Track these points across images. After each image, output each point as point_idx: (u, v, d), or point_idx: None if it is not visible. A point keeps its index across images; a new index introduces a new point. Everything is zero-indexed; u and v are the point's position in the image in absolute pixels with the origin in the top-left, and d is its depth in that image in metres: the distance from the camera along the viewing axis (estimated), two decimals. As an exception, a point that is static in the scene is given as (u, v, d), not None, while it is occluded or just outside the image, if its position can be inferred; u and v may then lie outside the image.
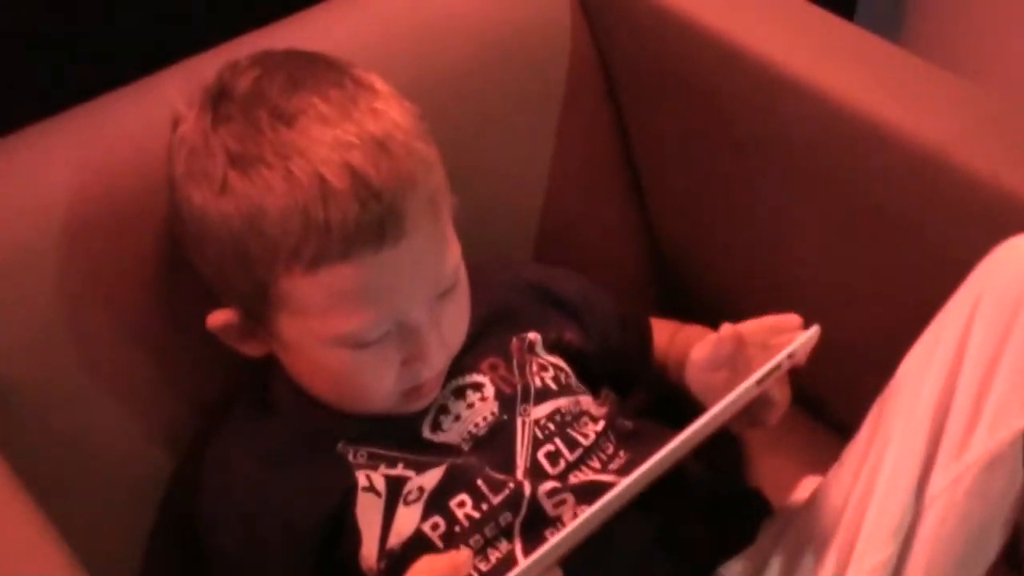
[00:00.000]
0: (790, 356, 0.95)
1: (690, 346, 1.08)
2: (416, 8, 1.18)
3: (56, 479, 1.01)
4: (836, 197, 1.14)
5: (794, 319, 1.03)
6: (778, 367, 0.94)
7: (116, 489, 1.07)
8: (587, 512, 0.87)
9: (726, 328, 1.02)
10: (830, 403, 1.23)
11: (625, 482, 0.87)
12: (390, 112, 0.96)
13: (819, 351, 0.98)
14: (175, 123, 1.00)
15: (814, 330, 0.97)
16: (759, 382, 0.93)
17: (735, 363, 1.02)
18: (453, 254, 1.00)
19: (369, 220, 0.92)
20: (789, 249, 1.20)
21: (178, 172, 0.99)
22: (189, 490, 1.07)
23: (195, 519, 1.06)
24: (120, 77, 1.09)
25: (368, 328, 0.97)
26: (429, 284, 0.98)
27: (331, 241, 0.92)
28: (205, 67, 1.01)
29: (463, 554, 0.95)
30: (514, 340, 1.10)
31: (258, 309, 0.99)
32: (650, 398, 1.21)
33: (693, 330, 1.20)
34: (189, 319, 1.03)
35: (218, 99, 0.97)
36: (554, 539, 0.85)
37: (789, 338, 0.98)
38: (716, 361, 1.03)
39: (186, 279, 1.02)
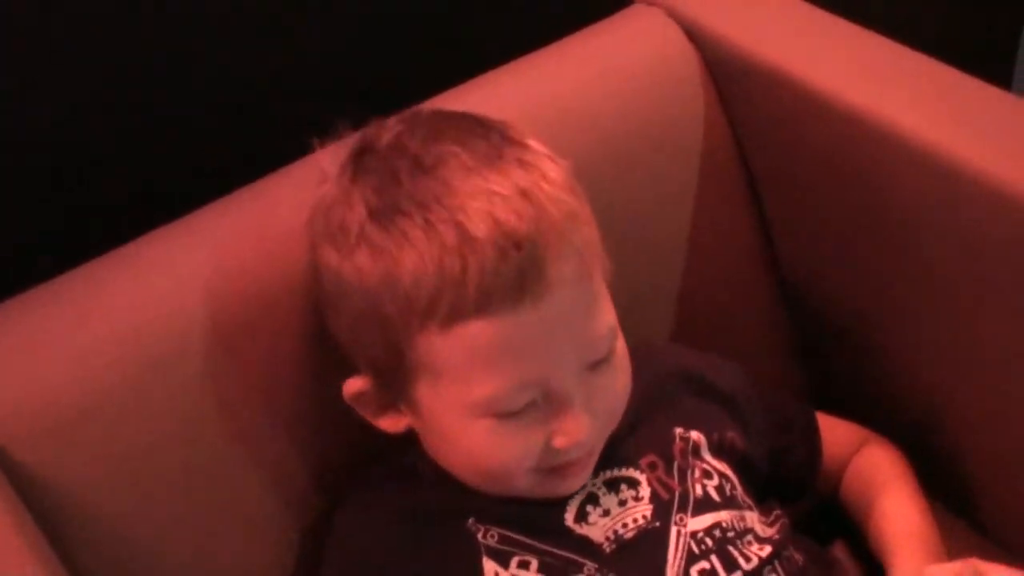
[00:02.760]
0: None
1: (888, 531, 1.03)
2: (544, 98, 1.13)
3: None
4: (1009, 292, 1.02)
5: None
6: None
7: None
8: None
9: (967, 567, 0.91)
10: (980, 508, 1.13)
11: None
12: (538, 164, 0.91)
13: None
14: (319, 183, 0.97)
15: None
16: None
17: None
18: (606, 319, 0.92)
19: (508, 270, 0.86)
20: (956, 352, 1.09)
21: (318, 231, 0.95)
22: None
23: None
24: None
25: (509, 392, 0.89)
26: (578, 348, 0.90)
27: (467, 293, 0.86)
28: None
29: None
30: (677, 440, 1.00)
31: (394, 375, 0.92)
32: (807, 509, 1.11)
33: (890, 492, 1.09)
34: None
35: (360, 154, 0.94)
36: None
37: None
38: None
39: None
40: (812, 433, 1.11)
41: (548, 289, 0.87)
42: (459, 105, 1.01)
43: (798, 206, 1.17)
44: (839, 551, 1.12)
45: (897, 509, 1.08)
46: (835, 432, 1.13)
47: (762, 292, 1.23)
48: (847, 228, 1.13)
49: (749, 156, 1.19)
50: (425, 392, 0.92)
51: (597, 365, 0.92)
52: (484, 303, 0.86)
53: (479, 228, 0.86)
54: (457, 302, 0.87)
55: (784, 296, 1.23)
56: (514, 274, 0.86)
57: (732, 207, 1.20)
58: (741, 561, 0.95)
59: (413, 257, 0.87)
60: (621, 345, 0.95)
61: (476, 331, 0.87)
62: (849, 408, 1.16)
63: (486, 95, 1.10)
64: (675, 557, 0.94)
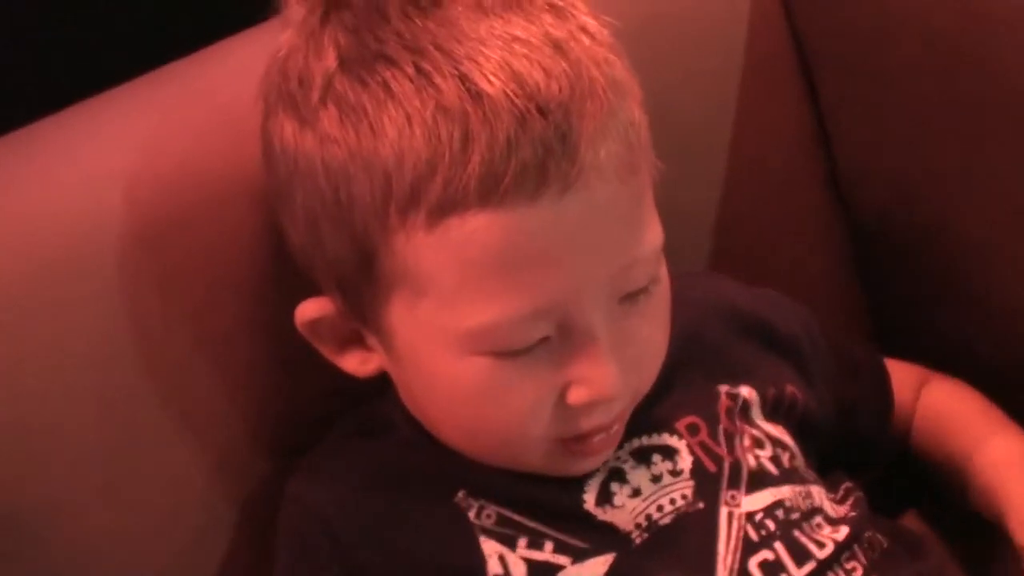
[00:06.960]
0: None
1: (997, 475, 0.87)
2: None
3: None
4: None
5: None
6: None
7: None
8: None
9: None
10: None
11: None
12: (576, 14, 0.72)
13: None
14: (281, 33, 0.77)
15: None
16: None
17: None
18: (652, 236, 0.73)
19: (527, 144, 0.67)
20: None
21: (271, 91, 0.75)
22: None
23: None
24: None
25: (517, 321, 0.70)
26: (612, 270, 0.71)
27: (468, 173, 0.67)
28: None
29: None
30: (723, 397, 0.82)
31: (361, 292, 0.73)
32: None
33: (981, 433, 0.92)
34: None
35: None
36: None
37: None
38: None
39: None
40: (883, 383, 0.94)
41: (580, 177, 0.68)
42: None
43: (860, 91, 1.02)
44: (912, 523, 0.97)
45: (1001, 447, 0.90)
46: (896, 375, 0.95)
47: (814, 203, 1.07)
48: (921, 112, 0.97)
49: (803, 36, 1.03)
50: (401, 316, 0.73)
51: (633, 298, 0.73)
52: (490, 189, 0.67)
53: (491, 83, 0.67)
54: (454, 185, 0.67)
55: (840, 205, 1.07)
56: (536, 150, 0.67)
57: (782, 99, 1.04)
58: (813, 548, 0.78)
59: (397, 119, 0.68)
60: (665, 278, 0.76)
61: (477, 229, 0.68)
62: (908, 348, 1.00)
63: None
64: (727, 547, 0.76)
